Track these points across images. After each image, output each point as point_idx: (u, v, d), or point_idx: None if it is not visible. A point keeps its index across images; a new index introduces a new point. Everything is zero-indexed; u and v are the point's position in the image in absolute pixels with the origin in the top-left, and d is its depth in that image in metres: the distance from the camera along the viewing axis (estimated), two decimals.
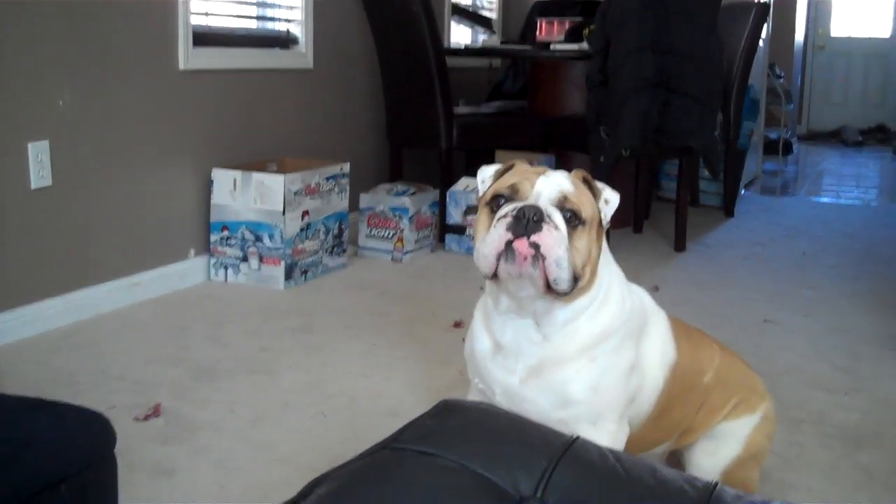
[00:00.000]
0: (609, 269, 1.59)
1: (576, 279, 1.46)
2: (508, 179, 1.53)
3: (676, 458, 1.85)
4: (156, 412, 2.24)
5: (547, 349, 1.55)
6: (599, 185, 1.55)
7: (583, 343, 1.54)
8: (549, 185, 1.48)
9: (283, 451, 2.08)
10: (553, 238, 1.43)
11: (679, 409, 1.71)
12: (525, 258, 1.42)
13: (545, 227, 1.43)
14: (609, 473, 1.03)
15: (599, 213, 1.52)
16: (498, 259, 1.44)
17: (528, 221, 1.43)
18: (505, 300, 1.54)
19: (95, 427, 1.27)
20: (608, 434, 1.56)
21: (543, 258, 1.42)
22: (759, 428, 1.78)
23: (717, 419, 1.76)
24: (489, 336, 1.61)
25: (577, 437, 1.09)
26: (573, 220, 1.46)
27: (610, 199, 1.55)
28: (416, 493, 0.97)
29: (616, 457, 1.06)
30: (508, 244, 1.43)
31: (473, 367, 1.66)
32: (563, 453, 1.04)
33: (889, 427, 2.30)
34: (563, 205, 1.47)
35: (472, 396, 1.70)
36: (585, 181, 1.54)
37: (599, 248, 1.53)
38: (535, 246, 1.42)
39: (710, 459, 1.77)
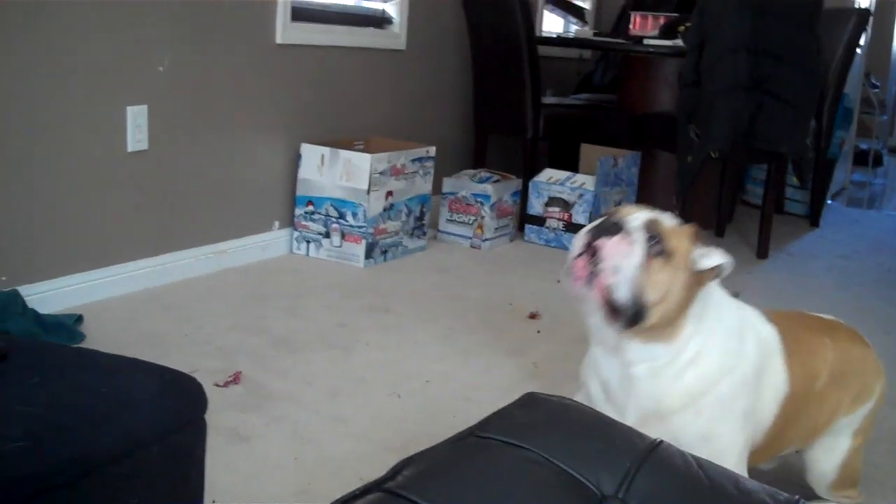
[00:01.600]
0: (707, 330, 1.53)
1: (643, 308, 1.43)
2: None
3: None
4: (236, 379, 2.30)
5: (644, 401, 1.53)
6: (705, 247, 1.50)
7: (679, 399, 1.52)
8: (646, 213, 1.47)
9: (358, 426, 2.12)
10: (619, 246, 1.41)
11: (791, 430, 1.69)
12: (580, 277, 1.42)
13: (616, 237, 1.42)
14: (692, 480, 1.04)
15: (694, 266, 1.48)
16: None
17: (603, 231, 1.42)
18: (592, 330, 1.55)
19: (189, 391, 1.31)
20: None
21: (599, 270, 1.41)
22: (874, 410, 1.77)
23: (837, 416, 1.73)
24: (598, 381, 1.61)
25: (661, 441, 1.10)
26: (656, 246, 1.43)
27: (711, 257, 1.49)
28: (501, 482, 0.99)
29: (700, 464, 1.07)
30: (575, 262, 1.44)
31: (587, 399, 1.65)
32: (647, 456, 1.05)
33: None
34: (650, 227, 1.44)
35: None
36: (693, 237, 1.50)
37: (687, 298, 1.48)
38: (594, 255, 1.41)
39: (828, 454, 1.77)
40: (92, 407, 1.18)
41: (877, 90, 7.68)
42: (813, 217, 5.12)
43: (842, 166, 6.19)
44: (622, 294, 1.41)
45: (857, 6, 5.75)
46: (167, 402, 1.27)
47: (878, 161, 7.87)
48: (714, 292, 1.56)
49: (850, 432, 1.77)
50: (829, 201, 5.72)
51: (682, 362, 1.52)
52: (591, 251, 1.43)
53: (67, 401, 1.18)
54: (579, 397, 1.65)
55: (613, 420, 1.19)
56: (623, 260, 1.41)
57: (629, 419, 1.54)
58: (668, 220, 1.48)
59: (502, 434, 1.07)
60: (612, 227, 1.43)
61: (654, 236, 1.43)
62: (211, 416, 2.05)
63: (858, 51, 5.43)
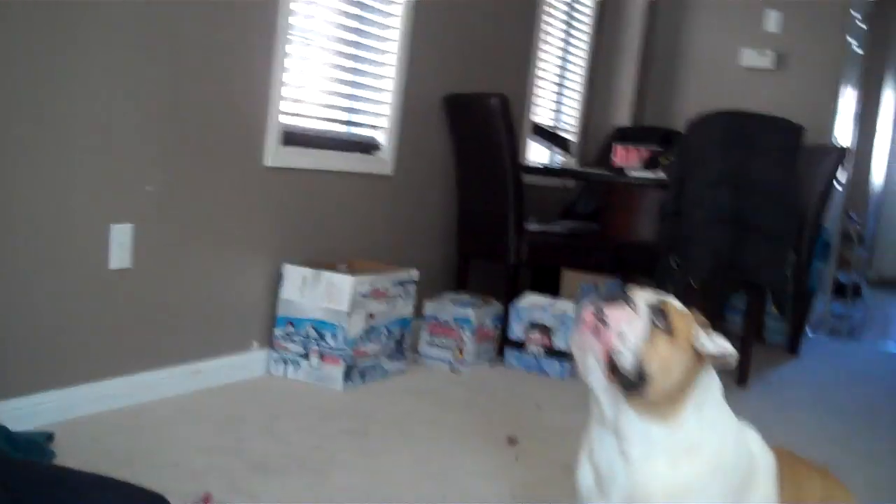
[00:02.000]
0: (707, 421, 1.54)
1: (643, 377, 1.44)
2: None
3: None
4: (206, 501, 2.25)
5: (633, 484, 1.53)
6: (710, 333, 1.53)
7: (667, 490, 1.51)
8: (656, 294, 1.51)
9: None
10: (625, 314, 1.45)
11: None
12: (587, 324, 1.45)
13: (622, 304, 1.46)
14: None
15: (697, 346, 1.50)
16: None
17: (609, 298, 1.47)
18: (591, 401, 1.55)
19: None
20: None
21: (607, 327, 1.44)
22: None
23: None
24: (591, 467, 1.61)
25: None
26: (661, 321, 1.46)
27: (715, 343, 1.51)
28: None
29: None
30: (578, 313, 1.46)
31: (579, 498, 1.66)
32: None
33: None
34: (656, 307, 1.48)
35: None
36: (699, 322, 1.53)
37: (688, 380, 1.50)
38: (602, 317, 1.45)
39: None
40: None
41: (855, 224, 7.80)
42: (792, 346, 5.13)
43: (821, 298, 6.24)
44: (626, 360, 1.44)
45: (836, 144, 5.89)
46: None
47: (857, 293, 7.93)
48: (716, 390, 1.58)
49: None
50: (809, 332, 5.74)
51: (679, 449, 1.52)
52: (598, 314, 1.46)
53: None
54: (576, 481, 1.66)
55: None
56: (628, 328, 1.44)
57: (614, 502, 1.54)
58: (674, 301, 1.52)
59: None
60: (620, 298, 1.47)
61: (660, 312, 1.47)
62: None
63: (838, 187, 5.55)
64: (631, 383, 1.45)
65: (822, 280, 5.96)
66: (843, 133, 6.41)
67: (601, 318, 1.45)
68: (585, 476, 1.63)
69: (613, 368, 1.45)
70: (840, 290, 7.52)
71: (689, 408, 1.52)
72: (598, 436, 1.58)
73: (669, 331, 1.47)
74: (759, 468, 1.63)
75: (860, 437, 3.50)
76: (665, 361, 1.46)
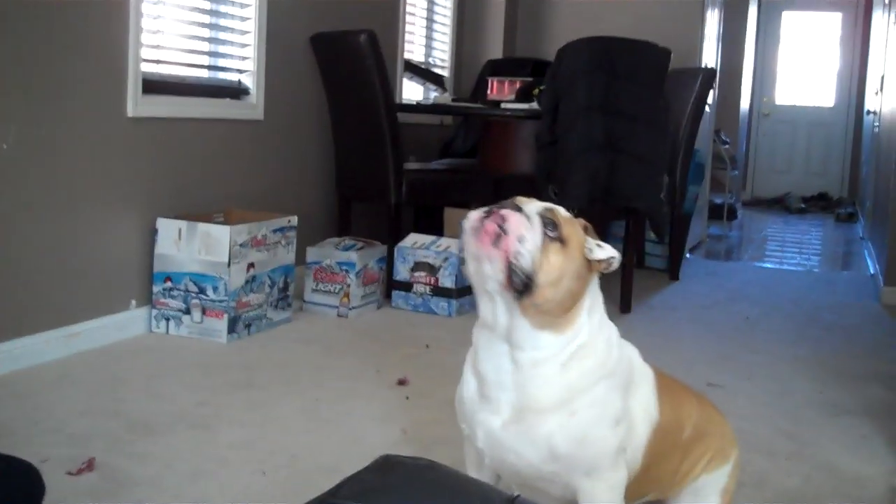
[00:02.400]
0: (596, 322, 1.58)
1: (532, 283, 1.45)
2: None
3: None
4: (89, 466, 2.18)
5: (523, 391, 1.53)
6: (602, 245, 1.56)
7: (558, 394, 1.53)
8: (542, 203, 1.52)
9: None
10: (522, 222, 1.46)
11: (660, 466, 1.71)
12: (488, 234, 1.45)
13: (518, 214, 1.46)
14: None
15: (587, 254, 1.52)
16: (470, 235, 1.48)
17: (502, 207, 1.47)
18: (482, 308, 1.55)
19: (23, 477, 1.23)
20: (606, 482, 1.56)
21: (506, 234, 1.44)
22: (732, 474, 1.82)
23: (698, 471, 1.77)
24: (475, 377, 1.61)
25: (518, 496, 1.07)
26: (551, 230, 1.47)
27: (603, 248, 1.54)
28: None
29: None
30: (479, 223, 1.47)
31: (461, 412, 1.66)
32: None
33: (829, 492, 2.30)
34: (545, 214, 1.49)
35: (468, 446, 1.71)
36: (585, 228, 1.56)
37: (580, 288, 1.53)
38: (502, 223, 1.45)
39: None
40: None
41: (727, 146, 7.99)
42: (672, 271, 5.24)
43: (698, 220, 6.39)
44: (525, 263, 1.44)
45: (704, 66, 5.99)
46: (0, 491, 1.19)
47: (732, 214, 8.17)
48: (599, 297, 1.61)
49: (712, 492, 1.80)
50: (687, 255, 5.88)
51: (567, 355, 1.53)
52: (499, 221, 1.45)
53: None
54: (457, 391, 1.67)
55: (470, 478, 1.16)
56: (526, 233, 1.45)
57: (503, 414, 1.56)
58: (561, 210, 1.53)
59: (354, 498, 1.03)
60: (513, 208, 1.47)
61: (551, 222, 1.48)
62: None
63: (707, 109, 5.65)
64: (524, 291, 1.46)
65: (698, 203, 6.09)
66: (710, 55, 6.53)
67: (501, 226, 1.45)
68: (469, 388, 1.63)
69: (510, 275, 1.45)
70: (716, 212, 7.73)
71: (581, 315, 1.55)
72: (486, 343, 1.57)
73: (561, 239, 1.48)
74: (640, 378, 1.67)
75: (739, 355, 3.60)
76: (558, 270, 1.48)
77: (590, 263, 1.54)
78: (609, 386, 1.57)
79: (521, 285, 1.46)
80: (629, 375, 1.63)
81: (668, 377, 1.77)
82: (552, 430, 1.53)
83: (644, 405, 1.65)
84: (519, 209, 1.48)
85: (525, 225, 1.46)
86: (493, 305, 1.53)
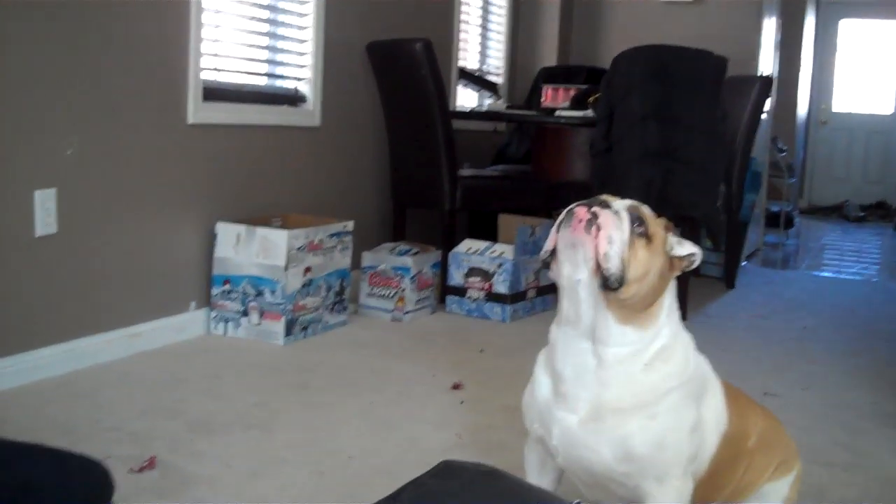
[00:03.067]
0: (675, 326, 1.60)
1: (623, 280, 1.48)
2: None
3: None
4: (150, 464, 2.23)
5: (606, 388, 1.55)
6: (683, 242, 1.58)
7: (640, 395, 1.54)
8: (628, 200, 1.54)
9: None
10: (612, 218, 1.48)
11: (725, 474, 1.72)
12: (581, 221, 1.48)
13: (608, 210, 1.49)
14: None
15: (669, 251, 1.55)
16: (558, 230, 1.51)
17: (593, 203, 1.50)
18: (564, 304, 1.56)
19: (96, 475, 1.26)
20: (675, 490, 1.57)
21: (598, 228, 1.47)
22: (794, 486, 1.83)
23: (763, 480, 1.78)
24: (550, 378, 1.62)
25: (579, 502, 1.08)
26: (639, 227, 1.50)
27: (684, 245, 1.56)
28: None
29: None
30: (569, 211, 1.50)
31: (532, 413, 1.67)
32: None
33: (889, 503, 2.28)
34: (633, 211, 1.51)
35: (530, 450, 1.73)
36: (667, 227, 1.58)
37: (662, 285, 1.55)
38: (594, 215, 1.48)
39: None
40: None
41: (784, 154, 7.91)
42: (728, 279, 5.20)
43: (754, 228, 6.33)
44: (613, 263, 1.47)
45: (760, 74, 5.94)
46: (72, 489, 1.22)
47: (789, 222, 8.07)
48: (675, 301, 1.61)
49: (778, 498, 1.81)
50: (744, 263, 5.83)
51: (651, 354, 1.55)
52: (593, 215, 1.48)
53: None
54: (526, 392, 1.68)
55: (531, 485, 1.17)
56: (616, 232, 1.48)
57: (580, 412, 1.57)
58: (646, 208, 1.55)
59: (416, 503, 1.04)
60: (604, 204, 1.50)
61: (638, 218, 1.51)
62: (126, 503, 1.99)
63: (764, 116, 5.60)
64: (612, 285, 1.48)
65: (755, 211, 6.04)
66: (767, 63, 6.47)
67: (595, 220, 1.48)
68: (541, 388, 1.64)
69: (598, 269, 1.48)
70: (773, 220, 7.64)
71: (662, 313, 1.56)
72: (565, 341, 1.58)
73: (647, 236, 1.51)
74: (711, 387, 1.68)
75: (796, 365, 3.56)
76: (643, 265, 1.50)
77: (671, 261, 1.55)
78: (686, 393, 1.59)
79: (612, 283, 1.48)
80: (703, 384, 1.65)
81: (734, 388, 1.78)
82: (632, 432, 1.54)
83: (715, 414, 1.66)
84: (608, 206, 1.50)
85: (614, 223, 1.48)
86: (577, 300, 1.54)
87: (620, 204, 1.52)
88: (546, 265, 1.56)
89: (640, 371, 1.55)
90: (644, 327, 1.54)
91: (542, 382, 1.65)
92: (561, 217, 1.52)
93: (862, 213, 9.76)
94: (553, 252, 1.53)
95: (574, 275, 1.52)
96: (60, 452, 1.27)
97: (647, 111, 3.87)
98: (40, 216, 2.80)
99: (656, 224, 1.55)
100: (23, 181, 2.75)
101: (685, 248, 1.56)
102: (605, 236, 1.47)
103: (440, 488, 1.11)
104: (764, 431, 1.78)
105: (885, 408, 3.04)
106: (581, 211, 1.49)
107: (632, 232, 1.49)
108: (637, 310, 1.53)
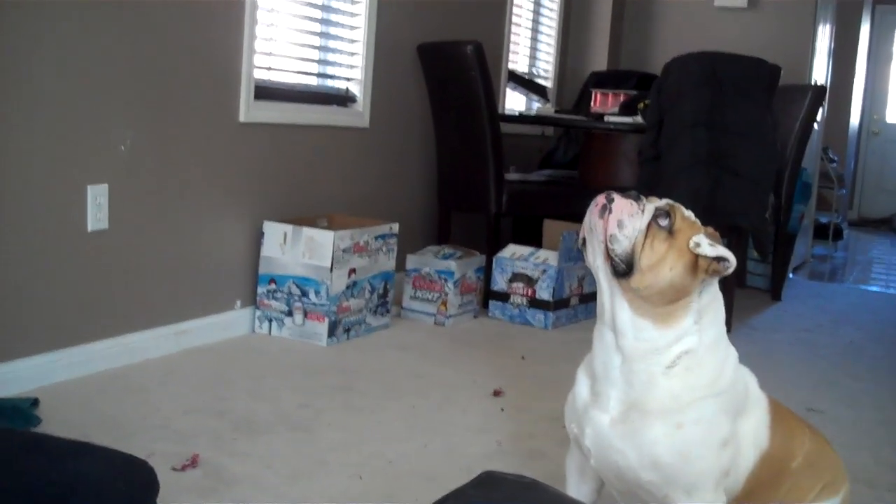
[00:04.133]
0: (708, 336, 1.57)
1: (632, 266, 1.50)
2: None
3: None
4: (193, 463, 2.25)
5: (629, 385, 1.56)
6: (717, 245, 1.55)
7: (662, 400, 1.54)
8: (667, 200, 1.57)
9: None
10: (630, 206, 1.51)
11: (765, 493, 1.69)
12: (598, 206, 1.52)
13: (631, 199, 1.52)
14: None
15: (693, 248, 1.52)
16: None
17: (620, 192, 1.54)
18: (598, 297, 1.60)
19: (141, 475, 1.28)
20: None
21: (610, 212, 1.50)
22: None
23: (807, 500, 1.75)
24: (588, 378, 1.64)
25: None
26: (663, 219, 1.51)
27: (714, 248, 1.53)
28: None
29: None
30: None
31: (571, 414, 1.68)
32: None
33: None
34: (663, 209, 1.53)
35: (570, 456, 1.75)
36: (711, 235, 1.57)
37: (684, 284, 1.53)
38: (609, 200, 1.52)
39: None
40: (39, 492, 1.15)
41: (835, 164, 7.82)
42: (775, 291, 5.15)
43: (802, 240, 6.26)
44: (620, 246, 1.50)
45: (813, 83, 5.88)
46: (118, 487, 1.24)
47: (838, 234, 7.98)
48: (720, 315, 1.60)
49: None
50: (790, 275, 5.77)
51: (671, 357, 1.54)
52: (608, 200, 1.53)
53: (13, 486, 1.14)
54: (569, 395, 1.69)
55: (571, 499, 1.17)
56: (628, 218, 1.51)
57: (612, 411, 1.57)
58: (683, 208, 1.57)
59: None
60: (628, 195, 1.54)
61: (665, 213, 1.53)
62: (168, 501, 2.02)
63: (816, 126, 5.54)
64: (618, 269, 1.51)
65: (804, 222, 5.97)
66: (820, 71, 6.39)
67: (608, 204, 1.51)
68: (581, 388, 1.65)
69: (608, 252, 1.51)
70: (821, 232, 7.56)
71: (687, 317, 1.54)
72: (598, 336, 1.60)
73: (670, 230, 1.52)
74: (753, 404, 1.66)
75: (841, 381, 3.52)
76: (657, 256, 1.50)
77: (697, 261, 1.52)
78: (718, 406, 1.56)
79: (618, 265, 1.50)
80: (743, 400, 1.62)
81: (783, 407, 1.76)
82: (657, 438, 1.53)
83: (754, 431, 1.64)
84: (636, 197, 1.53)
85: (629, 210, 1.51)
86: (600, 289, 1.57)
87: (654, 202, 1.54)
88: (581, 255, 1.62)
89: (662, 374, 1.54)
90: (665, 326, 1.54)
91: (581, 382, 1.66)
92: (592, 202, 1.55)
93: None
94: (584, 240, 1.58)
95: (594, 260, 1.56)
96: (107, 451, 1.29)
97: (698, 119, 3.84)
98: (92, 211, 2.84)
99: (688, 224, 1.54)
100: (76, 176, 2.79)
101: (714, 251, 1.52)
102: (614, 219, 1.50)
103: (482, 499, 1.11)
104: (810, 452, 1.75)
105: None
106: (600, 197, 1.53)
107: (652, 223, 1.51)
108: (655, 304, 1.53)
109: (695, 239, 1.53)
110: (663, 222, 1.51)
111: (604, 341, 1.59)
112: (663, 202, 1.55)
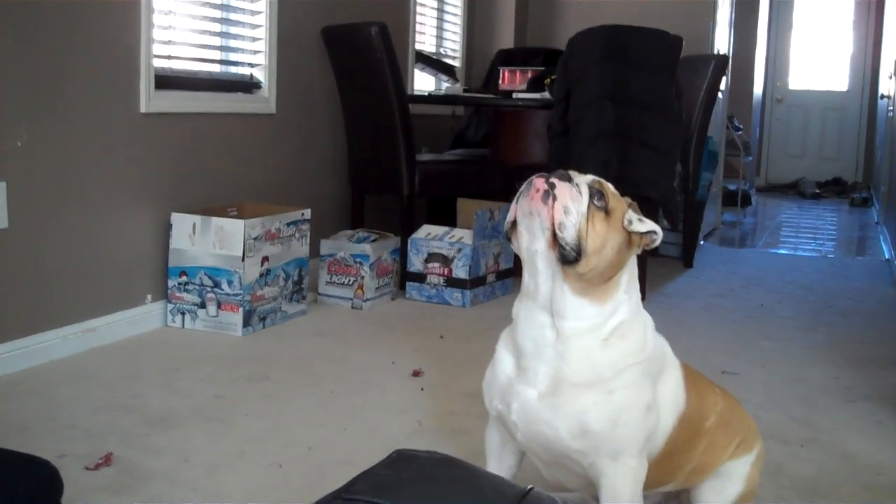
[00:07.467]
0: (634, 304, 1.60)
1: (580, 252, 1.48)
2: None
3: (677, 496, 1.89)
4: (107, 461, 2.20)
5: (563, 362, 1.55)
6: (645, 220, 1.58)
7: (597, 369, 1.55)
8: (591, 175, 1.55)
9: (238, 501, 2.04)
10: (570, 190, 1.49)
11: (683, 454, 1.72)
12: (538, 191, 1.49)
13: (567, 182, 1.50)
14: None
15: (627, 226, 1.54)
16: (518, 201, 1.52)
17: (553, 175, 1.51)
18: (526, 277, 1.58)
19: (42, 475, 1.24)
20: (629, 469, 1.57)
21: (555, 199, 1.48)
22: (756, 465, 1.84)
23: (723, 459, 1.79)
24: (512, 354, 1.63)
25: (532, 488, 1.08)
26: (598, 199, 1.51)
27: (644, 223, 1.55)
28: None
29: None
30: (529, 182, 1.51)
31: (493, 391, 1.67)
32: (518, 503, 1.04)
33: (845, 479, 2.30)
34: (593, 185, 1.52)
35: (490, 431, 1.74)
36: (630, 205, 1.58)
37: (620, 261, 1.55)
38: (551, 186, 1.49)
39: (718, 497, 1.80)
40: None
41: (740, 132, 7.96)
42: (686, 258, 5.23)
43: (711, 207, 6.38)
44: (569, 234, 1.48)
45: (716, 52, 5.97)
46: (18, 489, 1.20)
47: (746, 201, 8.14)
48: (636, 279, 1.62)
49: (736, 479, 1.81)
50: (701, 242, 5.86)
51: (608, 330, 1.56)
52: (550, 186, 1.50)
53: None
54: (488, 371, 1.68)
55: (485, 472, 1.17)
56: (573, 203, 1.49)
57: (540, 386, 1.57)
58: (608, 184, 1.56)
59: (369, 494, 1.04)
60: (564, 177, 1.51)
61: (598, 192, 1.52)
62: (82, 501, 1.97)
63: (720, 95, 5.63)
64: (569, 257, 1.49)
65: (712, 190, 6.07)
66: (722, 41, 6.50)
67: (551, 191, 1.49)
68: (503, 365, 1.64)
69: (555, 239, 1.49)
70: (730, 199, 7.71)
71: (619, 289, 1.56)
72: (526, 314, 1.59)
73: (606, 210, 1.51)
74: (670, 367, 1.69)
75: (754, 343, 3.60)
76: (601, 238, 1.50)
77: (629, 237, 1.55)
78: (644, 371, 1.59)
79: (569, 253, 1.48)
80: (661, 364, 1.65)
81: (693, 370, 1.79)
82: (587, 406, 1.54)
83: (672, 394, 1.67)
84: (569, 178, 1.51)
85: (572, 194, 1.49)
86: (536, 271, 1.55)
87: (582, 179, 1.53)
88: (508, 238, 1.59)
89: (599, 347, 1.55)
90: (602, 302, 1.55)
91: (504, 359, 1.65)
92: (521, 188, 1.53)
93: (818, 190, 9.86)
94: (514, 223, 1.55)
95: (532, 245, 1.53)
96: (5, 452, 1.25)
97: (603, 92, 3.87)
98: None
99: (617, 200, 1.56)
100: None
101: (644, 226, 1.56)
102: (560, 206, 1.48)
103: (393, 478, 1.10)
104: (723, 412, 1.79)
105: (843, 383, 3.07)
106: (539, 181, 1.50)
107: (591, 205, 1.50)
108: (594, 283, 1.53)
109: (627, 216, 1.55)
110: (599, 202, 1.51)
111: (535, 321, 1.57)
112: (590, 178, 1.54)
